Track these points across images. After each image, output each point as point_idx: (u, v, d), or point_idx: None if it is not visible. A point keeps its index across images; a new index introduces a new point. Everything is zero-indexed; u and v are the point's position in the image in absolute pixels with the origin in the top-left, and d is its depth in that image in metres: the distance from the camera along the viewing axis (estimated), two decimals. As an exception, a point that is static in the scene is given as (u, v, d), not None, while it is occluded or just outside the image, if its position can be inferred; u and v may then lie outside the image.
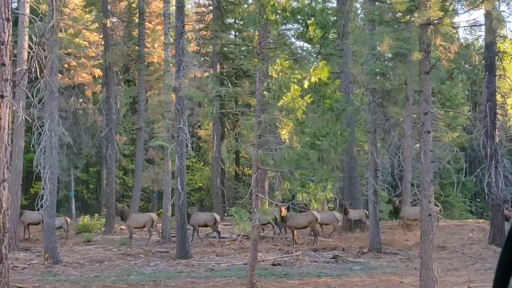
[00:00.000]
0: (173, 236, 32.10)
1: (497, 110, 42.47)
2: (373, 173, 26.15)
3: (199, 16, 48.42)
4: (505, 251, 3.22)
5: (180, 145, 23.58)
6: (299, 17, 14.90)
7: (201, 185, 56.65)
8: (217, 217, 31.47)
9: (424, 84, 16.13)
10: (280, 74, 14.40)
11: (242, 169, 55.34)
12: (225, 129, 48.63)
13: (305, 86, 14.30)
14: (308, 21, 14.47)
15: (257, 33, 15.81)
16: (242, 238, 30.95)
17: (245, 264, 23.31)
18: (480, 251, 27.05)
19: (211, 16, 41.55)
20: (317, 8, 14.78)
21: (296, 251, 25.51)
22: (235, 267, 22.75)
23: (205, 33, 44.24)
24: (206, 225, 30.67)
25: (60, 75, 43.39)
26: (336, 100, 15.22)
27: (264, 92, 14.53)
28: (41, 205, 22.53)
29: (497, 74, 28.71)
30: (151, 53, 45.57)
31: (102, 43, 43.54)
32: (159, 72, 44.38)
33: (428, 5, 15.15)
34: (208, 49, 44.43)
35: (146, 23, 44.85)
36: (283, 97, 14.07)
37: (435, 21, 15.27)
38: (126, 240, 29.61)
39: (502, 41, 30.52)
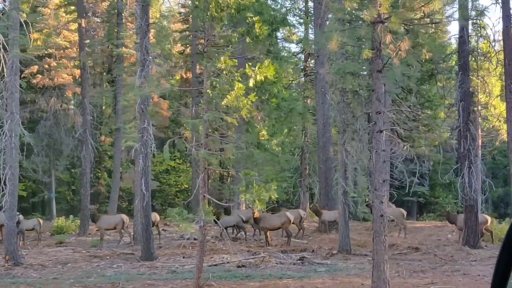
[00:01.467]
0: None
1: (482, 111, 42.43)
2: (342, 173, 25.87)
3: (183, 17, 48.16)
4: (503, 250, 3.07)
5: (144, 146, 23.30)
6: (247, 14, 14.58)
7: (187, 186, 56.28)
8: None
9: (376, 83, 15.88)
10: (224, 72, 14.08)
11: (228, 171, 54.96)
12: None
13: (250, 84, 14.00)
14: (253, 18, 14.14)
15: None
16: (215, 240, 30.78)
17: (209, 266, 23.08)
18: (453, 252, 26.76)
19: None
20: (264, 5, 14.43)
21: (263, 253, 25.20)
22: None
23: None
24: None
25: (40, 76, 43.33)
26: (284, 99, 14.93)
27: (208, 90, 14.24)
28: (0, 206, 22.07)
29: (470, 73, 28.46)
30: (131, 53, 45.20)
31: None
32: (140, 73, 44.05)
33: (379, 2, 14.91)
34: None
35: (128, 23, 44.48)
36: (227, 96, 13.76)
37: (386, 18, 15.04)
38: (97, 242, 29.29)
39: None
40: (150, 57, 23.08)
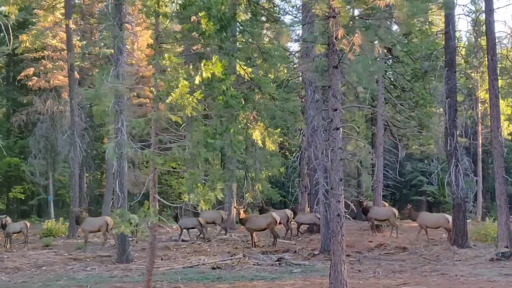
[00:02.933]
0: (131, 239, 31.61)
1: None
2: (322, 172, 25.41)
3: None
4: None
5: (118, 147, 22.96)
6: (193, 9, 14.21)
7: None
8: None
9: (332, 79, 15.49)
10: (169, 69, 13.75)
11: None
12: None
13: (196, 82, 13.64)
14: (199, 13, 13.78)
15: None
16: (201, 241, 30.51)
17: (184, 267, 22.81)
18: (440, 252, 26.31)
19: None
20: (213, 0, 14.06)
21: (242, 254, 24.85)
22: (173, 271, 22.14)
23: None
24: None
25: (36, 78, 43.24)
26: (234, 96, 14.56)
27: (152, 88, 13.90)
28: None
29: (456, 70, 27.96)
30: (129, 55, 44.95)
31: (80, 45, 43.11)
32: (138, 74, 43.89)
33: (331, -4, 14.52)
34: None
35: (125, 25, 44.14)
36: (172, 94, 13.42)
37: (337, 13, 14.64)
38: (82, 244, 29.08)
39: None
40: (122, 56, 22.80)
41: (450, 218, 29.31)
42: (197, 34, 14.09)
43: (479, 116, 45.24)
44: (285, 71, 40.83)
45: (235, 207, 32.15)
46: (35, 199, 49.66)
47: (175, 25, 20.87)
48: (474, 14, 30.64)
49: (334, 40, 14.66)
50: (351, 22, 16.01)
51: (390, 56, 36.11)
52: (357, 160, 20.77)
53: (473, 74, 44.26)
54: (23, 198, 49.00)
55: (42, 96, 44.32)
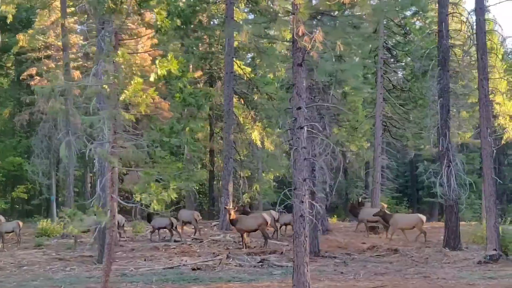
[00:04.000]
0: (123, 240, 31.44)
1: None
2: (309, 173, 24.98)
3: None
4: None
5: (100, 146, 22.76)
6: (150, 6, 13.96)
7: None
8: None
9: (296, 77, 15.18)
10: (123, 66, 13.49)
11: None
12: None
13: (151, 79, 13.38)
14: (154, 9, 13.53)
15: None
16: (192, 242, 30.27)
17: (165, 268, 22.58)
18: (431, 254, 25.99)
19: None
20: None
21: (227, 255, 24.56)
22: (152, 272, 21.90)
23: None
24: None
25: (38, 78, 43.21)
26: (192, 94, 14.30)
27: (105, 86, 13.65)
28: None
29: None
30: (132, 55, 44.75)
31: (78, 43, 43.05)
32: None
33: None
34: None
35: (129, 24, 44.03)
36: (125, 91, 13.17)
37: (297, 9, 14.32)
38: (73, 244, 28.97)
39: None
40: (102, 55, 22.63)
41: (424, 218, 29.11)
42: (153, 31, 13.81)
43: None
44: (283, 71, 40.52)
45: (225, 208, 31.86)
46: (38, 199, 49.68)
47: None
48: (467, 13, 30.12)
49: (296, 37, 14.34)
50: (316, 20, 15.74)
51: (390, 55, 35.75)
52: (322, 160, 20.19)
53: (476, 74, 43.60)
54: (26, 198, 49.07)
55: (44, 95, 44.24)
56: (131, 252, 27.28)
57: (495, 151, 23.99)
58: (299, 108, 14.95)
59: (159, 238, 31.68)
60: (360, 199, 36.41)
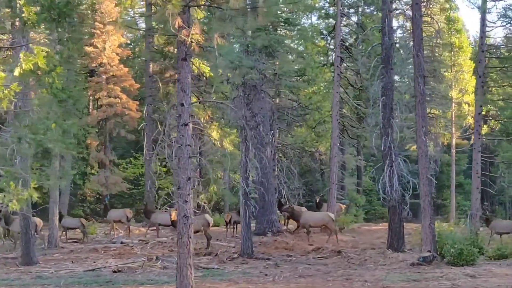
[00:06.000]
0: (74, 241, 30.93)
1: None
2: (243, 173, 24.50)
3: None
4: None
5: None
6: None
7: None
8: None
9: (181, 72, 14.65)
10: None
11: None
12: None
13: (16, 73, 12.78)
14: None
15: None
16: (138, 243, 29.74)
17: (85, 271, 22.10)
18: (373, 256, 25.47)
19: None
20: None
21: (156, 257, 24.03)
22: (71, 274, 21.42)
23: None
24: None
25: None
26: (65, 91, 13.70)
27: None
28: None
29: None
30: (100, 54, 44.15)
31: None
32: (109, 73, 43.37)
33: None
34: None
35: (96, 23, 43.57)
36: (-15, 87, 12.59)
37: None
38: (11, 245, 28.52)
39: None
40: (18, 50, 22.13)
41: (333, 216, 28.64)
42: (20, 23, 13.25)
43: (453, 116, 44.03)
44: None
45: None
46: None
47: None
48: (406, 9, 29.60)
49: (173, 30, 13.80)
50: (207, 13, 15.25)
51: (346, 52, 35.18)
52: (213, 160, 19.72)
53: (446, 74, 43.10)
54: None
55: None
56: (68, 253, 26.80)
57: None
58: (182, 104, 14.39)
59: (157, 235, 31.32)
60: (317, 199, 35.73)
